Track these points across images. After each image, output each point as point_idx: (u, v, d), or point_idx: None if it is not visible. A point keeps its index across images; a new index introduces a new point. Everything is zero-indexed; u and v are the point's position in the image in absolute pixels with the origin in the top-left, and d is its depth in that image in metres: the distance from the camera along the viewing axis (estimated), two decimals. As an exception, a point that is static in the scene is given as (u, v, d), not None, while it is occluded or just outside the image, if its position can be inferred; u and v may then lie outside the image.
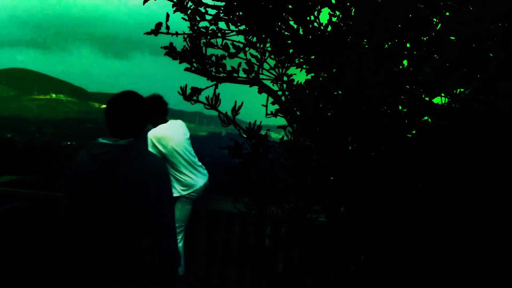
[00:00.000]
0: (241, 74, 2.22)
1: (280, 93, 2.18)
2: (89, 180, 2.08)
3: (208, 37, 2.19)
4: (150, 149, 3.93)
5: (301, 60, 2.19)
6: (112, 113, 2.13)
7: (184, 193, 4.04)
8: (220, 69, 2.21)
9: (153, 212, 2.09)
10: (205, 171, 4.29)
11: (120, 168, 2.06)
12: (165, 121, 4.12)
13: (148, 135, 3.98)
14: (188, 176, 4.07)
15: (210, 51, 2.25)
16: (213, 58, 2.21)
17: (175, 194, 4.02)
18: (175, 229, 2.24)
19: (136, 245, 2.10)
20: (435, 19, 1.62)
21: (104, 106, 2.30)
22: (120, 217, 2.07)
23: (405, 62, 1.73)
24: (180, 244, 4.07)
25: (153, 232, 2.11)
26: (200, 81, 2.32)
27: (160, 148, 3.93)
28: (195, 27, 2.21)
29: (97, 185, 2.07)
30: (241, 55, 2.23)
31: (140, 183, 2.05)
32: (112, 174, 2.05)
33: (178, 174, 4.03)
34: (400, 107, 1.80)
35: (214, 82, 2.23)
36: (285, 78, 2.20)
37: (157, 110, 4.09)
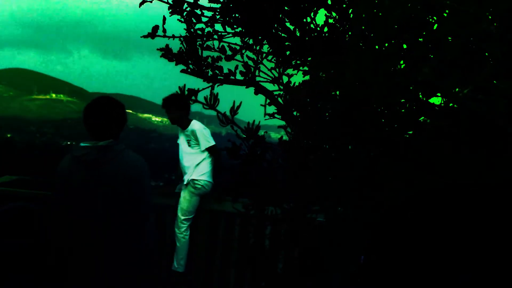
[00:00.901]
0: (238, 76, 2.22)
1: (277, 93, 2.18)
2: (74, 180, 2.18)
3: (204, 38, 2.19)
4: (208, 140, 4.12)
5: (298, 62, 2.19)
6: (92, 117, 2.23)
7: (198, 177, 4.11)
8: (217, 71, 2.21)
9: (136, 209, 2.19)
10: None
11: (102, 167, 2.16)
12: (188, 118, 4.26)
13: (199, 128, 4.15)
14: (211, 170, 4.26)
15: (207, 53, 2.25)
16: (209, 60, 2.21)
17: (192, 177, 4.10)
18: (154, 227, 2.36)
19: (123, 242, 2.19)
20: (432, 20, 1.62)
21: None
22: (106, 214, 2.15)
23: (402, 62, 1.72)
24: (187, 237, 4.11)
25: (140, 229, 2.21)
26: (199, 81, 2.31)
27: (211, 140, 4.16)
28: (192, 29, 2.20)
29: (82, 185, 2.16)
30: (238, 57, 2.22)
31: (122, 181, 2.15)
32: (95, 174, 2.15)
33: (207, 166, 4.17)
34: (398, 107, 1.80)
35: (210, 84, 2.23)
36: (284, 79, 2.19)
37: (186, 107, 4.19)
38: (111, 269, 2.18)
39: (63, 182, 2.20)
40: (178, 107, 4.13)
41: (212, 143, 4.15)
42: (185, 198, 4.07)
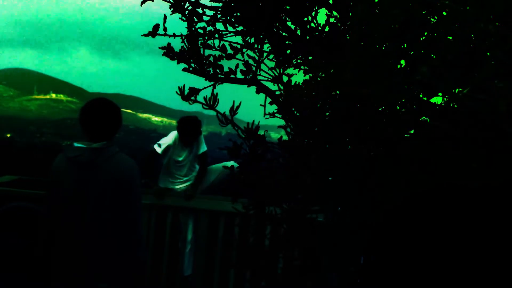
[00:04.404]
0: (239, 75, 2.23)
1: (278, 93, 2.18)
2: (67, 180, 2.19)
3: (206, 37, 2.20)
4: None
5: (299, 61, 2.19)
6: (88, 118, 2.26)
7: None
8: (218, 70, 2.22)
9: (126, 211, 2.22)
10: None
11: (95, 169, 2.17)
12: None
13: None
14: None
15: (208, 52, 2.25)
16: (211, 59, 2.22)
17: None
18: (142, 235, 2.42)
19: (112, 243, 2.21)
20: (432, 19, 1.62)
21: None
22: (96, 215, 2.17)
23: (402, 62, 1.72)
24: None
25: (129, 231, 2.24)
26: (199, 81, 2.33)
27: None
28: (193, 28, 2.21)
29: (75, 185, 2.18)
30: (239, 56, 2.23)
31: (114, 183, 2.18)
32: (88, 175, 2.17)
33: None
34: (398, 107, 1.80)
35: (212, 83, 2.23)
36: (284, 78, 2.19)
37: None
38: (99, 269, 2.20)
39: (56, 181, 2.22)
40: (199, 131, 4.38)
41: (205, 148, 4.48)
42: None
